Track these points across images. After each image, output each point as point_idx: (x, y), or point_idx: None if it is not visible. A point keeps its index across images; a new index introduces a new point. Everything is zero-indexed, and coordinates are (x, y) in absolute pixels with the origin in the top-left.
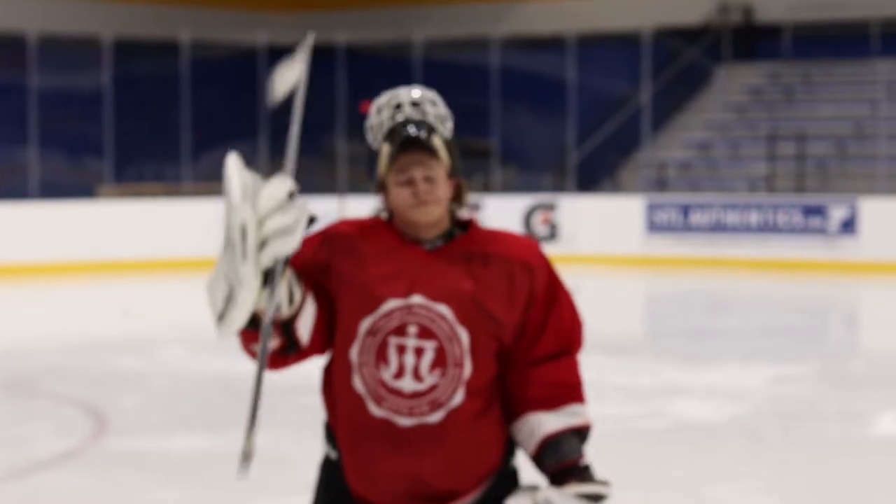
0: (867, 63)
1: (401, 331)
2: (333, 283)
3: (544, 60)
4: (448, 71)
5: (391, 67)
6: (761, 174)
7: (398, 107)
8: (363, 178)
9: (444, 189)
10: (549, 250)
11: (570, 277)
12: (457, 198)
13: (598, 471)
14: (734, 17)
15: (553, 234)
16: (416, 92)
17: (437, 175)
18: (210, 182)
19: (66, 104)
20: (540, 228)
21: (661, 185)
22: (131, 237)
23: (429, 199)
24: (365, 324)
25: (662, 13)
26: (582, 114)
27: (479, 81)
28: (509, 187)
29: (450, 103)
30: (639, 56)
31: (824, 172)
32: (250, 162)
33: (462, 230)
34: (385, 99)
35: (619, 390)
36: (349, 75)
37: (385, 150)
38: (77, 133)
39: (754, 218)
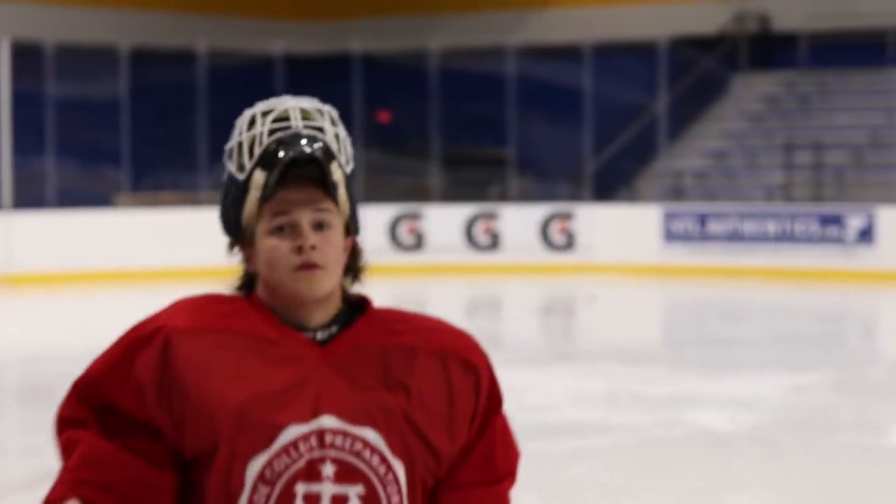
0: (883, 72)
1: (311, 473)
2: (187, 422)
3: (561, 69)
4: (464, 80)
5: (407, 76)
6: (778, 183)
7: (283, 118)
8: (380, 188)
9: (340, 248)
10: (566, 260)
11: (588, 286)
12: (351, 267)
13: (614, 478)
14: (750, 25)
15: (570, 244)
16: (308, 101)
17: (333, 224)
18: None
19: (82, 113)
20: (557, 237)
21: (677, 194)
22: (148, 246)
23: (318, 261)
24: (255, 466)
25: (679, 22)
26: (598, 123)
27: (496, 90)
28: (526, 196)
29: (466, 112)
30: (655, 65)
31: (841, 181)
32: None
33: (359, 313)
34: (260, 108)
35: (635, 399)
36: (365, 84)
37: (257, 179)
38: (94, 142)
39: (771, 227)
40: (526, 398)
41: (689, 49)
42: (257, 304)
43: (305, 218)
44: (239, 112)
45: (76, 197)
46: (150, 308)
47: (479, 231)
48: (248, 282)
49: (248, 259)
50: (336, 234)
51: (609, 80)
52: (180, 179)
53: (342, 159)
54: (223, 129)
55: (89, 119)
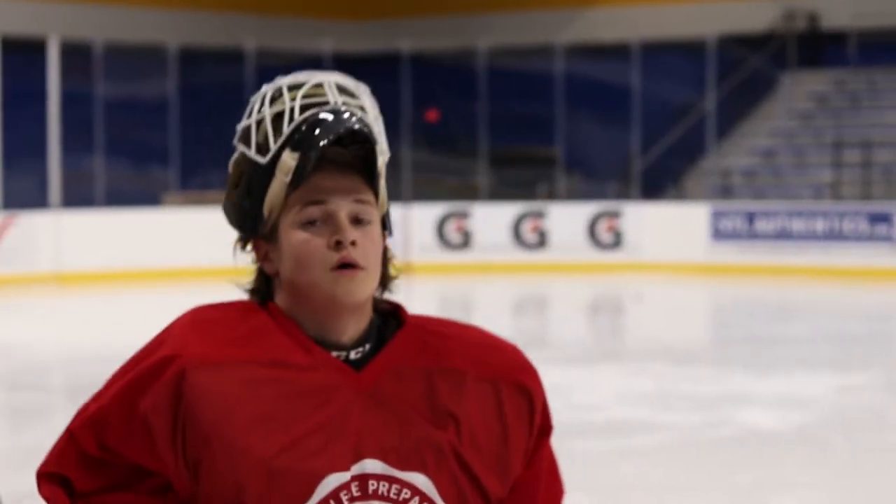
0: None
1: None
2: (203, 471)
3: (609, 68)
4: (512, 79)
5: (455, 75)
6: (827, 181)
7: (316, 93)
8: (428, 186)
9: (381, 248)
10: (614, 258)
11: (636, 285)
12: (382, 274)
13: (661, 478)
14: (799, 23)
15: (617, 242)
16: (342, 76)
17: (373, 220)
18: None
19: (131, 112)
20: (604, 236)
21: (725, 192)
22: (196, 244)
23: (359, 260)
24: None
25: (727, 20)
26: (646, 121)
27: (544, 89)
28: (574, 195)
29: (514, 111)
30: (703, 63)
31: (890, 179)
32: None
33: (392, 325)
34: (285, 81)
35: (684, 398)
36: (413, 83)
37: (286, 162)
38: (142, 141)
39: (820, 225)
40: (573, 397)
41: (738, 47)
42: (278, 316)
43: (344, 209)
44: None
45: (125, 196)
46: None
47: (527, 230)
48: (263, 285)
49: (266, 257)
50: (376, 230)
51: (657, 78)
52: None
53: (384, 146)
54: None
55: (138, 118)
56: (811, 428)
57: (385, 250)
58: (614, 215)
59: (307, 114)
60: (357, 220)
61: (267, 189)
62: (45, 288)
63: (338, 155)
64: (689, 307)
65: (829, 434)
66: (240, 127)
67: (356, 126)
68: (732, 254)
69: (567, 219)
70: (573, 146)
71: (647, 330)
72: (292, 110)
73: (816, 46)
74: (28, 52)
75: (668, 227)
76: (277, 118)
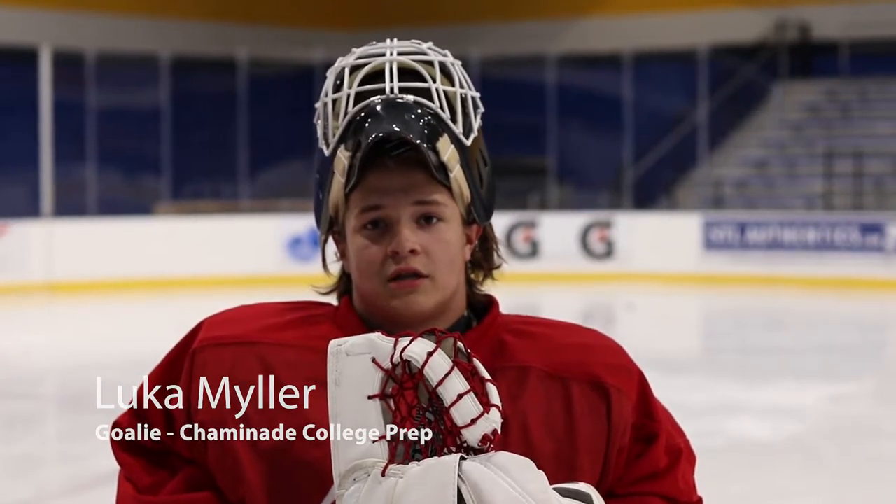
0: None
1: None
2: (209, 459)
3: (601, 78)
4: (504, 89)
5: None
6: (818, 192)
7: (373, 76)
8: None
9: (456, 247)
10: (606, 268)
11: (627, 295)
12: (483, 261)
13: None
14: (791, 34)
15: (609, 252)
16: (413, 47)
17: (445, 216)
18: (267, 199)
19: (123, 122)
20: (596, 246)
21: (717, 202)
22: (188, 254)
23: (420, 268)
24: None
25: (719, 31)
26: (638, 131)
27: (536, 99)
28: (566, 205)
29: (506, 121)
30: (695, 73)
31: (882, 190)
32: (306, 179)
33: (480, 321)
34: (352, 58)
35: (674, 408)
36: None
37: (340, 160)
38: (135, 150)
39: (811, 236)
40: None
41: (730, 57)
42: (343, 310)
43: (405, 213)
44: (279, 121)
45: (117, 205)
46: (191, 316)
47: (519, 239)
48: (347, 282)
49: (343, 254)
50: (450, 228)
51: (649, 88)
52: (221, 188)
53: (458, 128)
54: (264, 138)
55: (130, 128)
56: (803, 437)
57: (485, 235)
58: (606, 225)
59: (358, 107)
60: (427, 218)
61: (331, 185)
62: (37, 297)
63: (393, 151)
64: (681, 317)
65: (820, 444)
66: (316, 104)
67: (397, 129)
68: (724, 264)
69: (559, 229)
70: (565, 156)
71: (638, 339)
72: (348, 100)
73: (808, 57)
74: (20, 61)
75: (659, 237)
76: (337, 107)
